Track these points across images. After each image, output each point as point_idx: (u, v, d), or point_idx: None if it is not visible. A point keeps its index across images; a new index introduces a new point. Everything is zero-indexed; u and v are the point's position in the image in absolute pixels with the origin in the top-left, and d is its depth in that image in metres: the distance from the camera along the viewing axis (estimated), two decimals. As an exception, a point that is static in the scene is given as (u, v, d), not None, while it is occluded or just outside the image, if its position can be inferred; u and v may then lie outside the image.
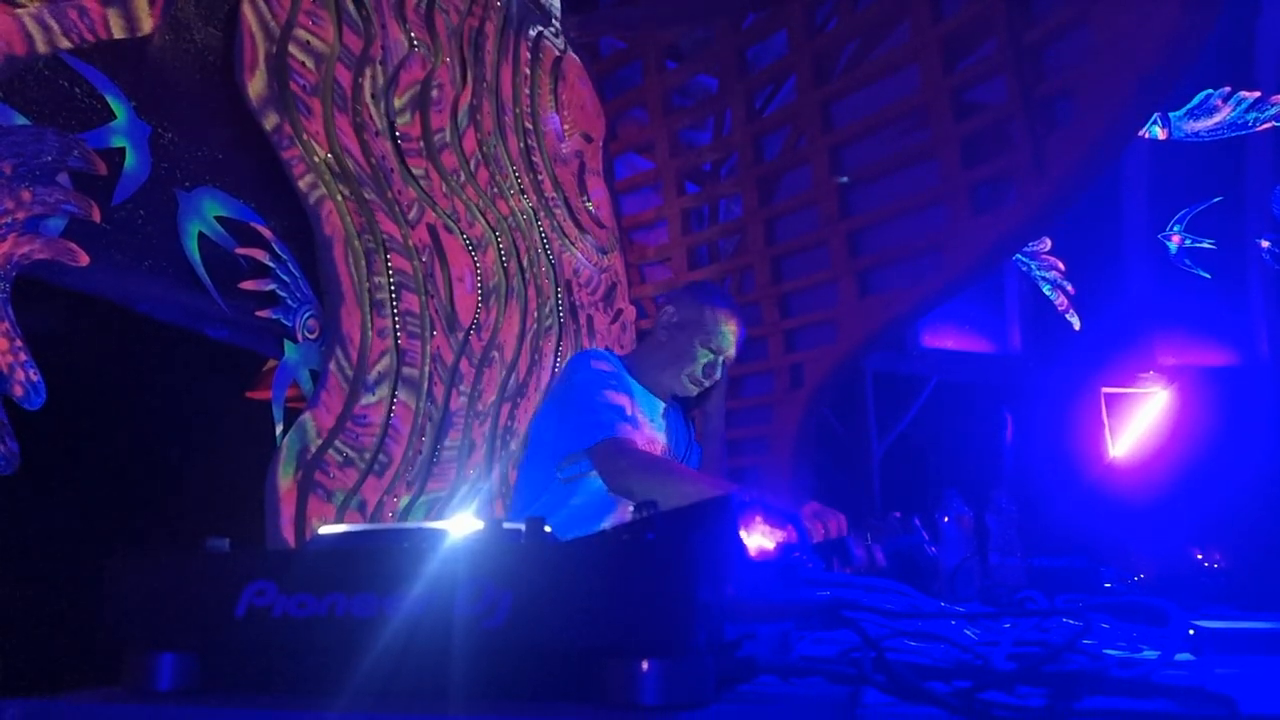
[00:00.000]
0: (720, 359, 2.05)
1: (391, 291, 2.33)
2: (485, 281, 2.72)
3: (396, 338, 2.33)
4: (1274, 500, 4.33)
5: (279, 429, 2.01)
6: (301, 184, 2.15)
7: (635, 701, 0.50)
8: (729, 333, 2.04)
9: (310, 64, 2.22)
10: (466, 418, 2.58)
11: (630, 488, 1.76)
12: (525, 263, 2.94)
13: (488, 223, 2.80)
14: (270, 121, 2.09)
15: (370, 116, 2.39)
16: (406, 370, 2.34)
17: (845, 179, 3.27)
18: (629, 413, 1.90)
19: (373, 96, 2.41)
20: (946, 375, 5.24)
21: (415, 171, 2.53)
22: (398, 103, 2.52)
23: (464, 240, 2.67)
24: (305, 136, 2.17)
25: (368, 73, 2.39)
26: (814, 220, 3.40)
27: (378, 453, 2.21)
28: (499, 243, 2.83)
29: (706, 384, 2.07)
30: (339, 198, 2.24)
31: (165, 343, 1.88)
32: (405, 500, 2.32)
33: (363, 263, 2.26)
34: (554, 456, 1.91)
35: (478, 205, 2.78)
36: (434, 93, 2.65)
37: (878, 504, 4.66)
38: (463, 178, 2.75)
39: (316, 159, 2.19)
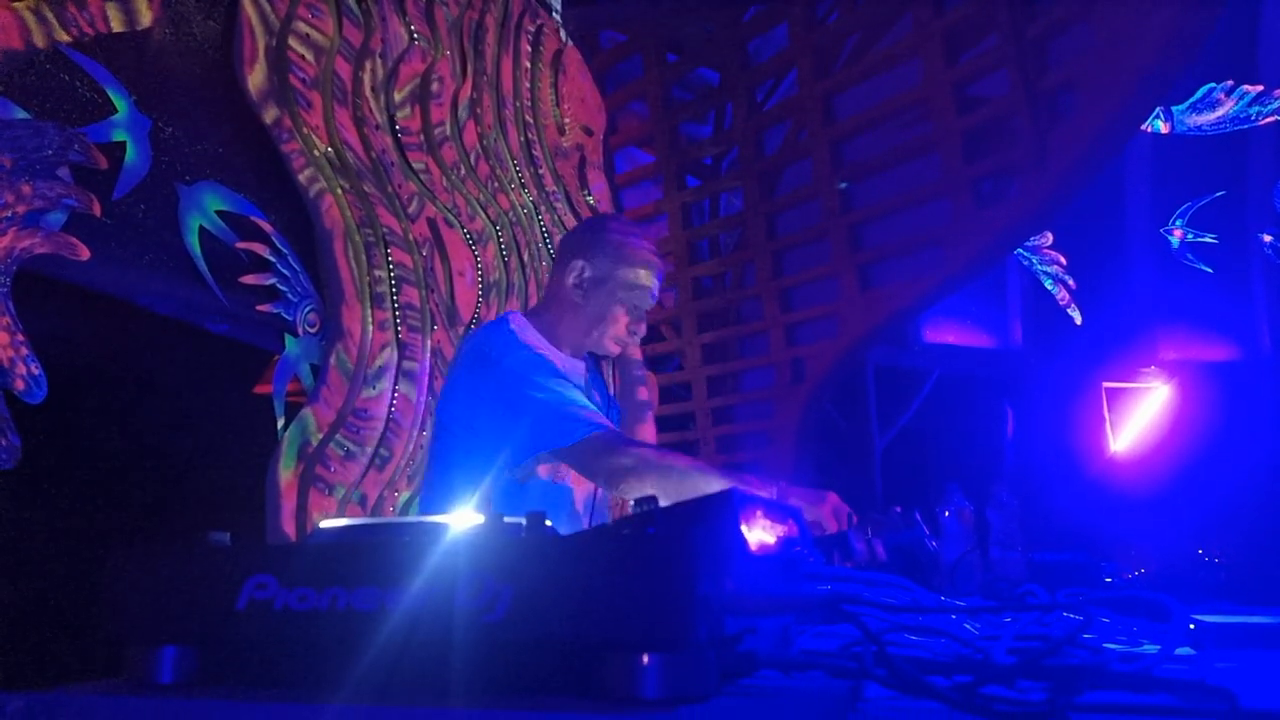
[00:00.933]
0: (643, 310, 1.83)
1: (392, 285, 2.33)
2: (486, 276, 2.72)
3: (397, 331, 2.32)
4: (1274, 495, 4.33)
5: (280, 423, 2.01)
6: (301, 178, 2.15)
7: (636, 695, 0.50)
8: (647, 279, 1.80)
9: (310, 57, 2.21)
10: (467, 412, 2.58)
11: (637, 488, 1.57)
12: (526, 257, 2.94)
13: (488, 217, 2.80)
14: (270, 115, 2.09)
15: (370, 110, 2.39)
16: (407, 364, 2.34)
17: (844, 185, 3.27)
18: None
19: (372, 90, 2.40)
20: (948, 369, 5.24)
21: (415, 165, 2.53)
22: (397, 96, 2.51)
23: (464, 235, 2.66)
24: (305, 130, 2.16)
25: (368, 66, 2.39)
26: (815, 214, 3.40)
27: (379, 447, 2.21)
28: (500, 237, 2.82)
29: (631, 341, 1.88)
30: (339, 191, 2.23)
31: (166, 337, 1.88)
32: (406, 495, 2.32)
33: (363, 256, 2.26)
34: (497, 449, 1.65)
35: (478, 199, 2.78)
36: (434, 86, 2.65)
37: (879, 498, 4.66)
38: (463, 172, 2.75)
39: (316, 152, 2.19)
